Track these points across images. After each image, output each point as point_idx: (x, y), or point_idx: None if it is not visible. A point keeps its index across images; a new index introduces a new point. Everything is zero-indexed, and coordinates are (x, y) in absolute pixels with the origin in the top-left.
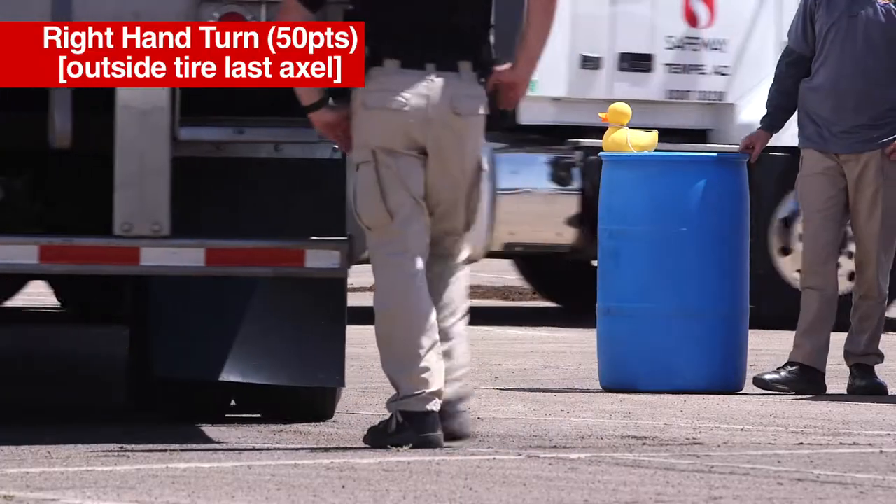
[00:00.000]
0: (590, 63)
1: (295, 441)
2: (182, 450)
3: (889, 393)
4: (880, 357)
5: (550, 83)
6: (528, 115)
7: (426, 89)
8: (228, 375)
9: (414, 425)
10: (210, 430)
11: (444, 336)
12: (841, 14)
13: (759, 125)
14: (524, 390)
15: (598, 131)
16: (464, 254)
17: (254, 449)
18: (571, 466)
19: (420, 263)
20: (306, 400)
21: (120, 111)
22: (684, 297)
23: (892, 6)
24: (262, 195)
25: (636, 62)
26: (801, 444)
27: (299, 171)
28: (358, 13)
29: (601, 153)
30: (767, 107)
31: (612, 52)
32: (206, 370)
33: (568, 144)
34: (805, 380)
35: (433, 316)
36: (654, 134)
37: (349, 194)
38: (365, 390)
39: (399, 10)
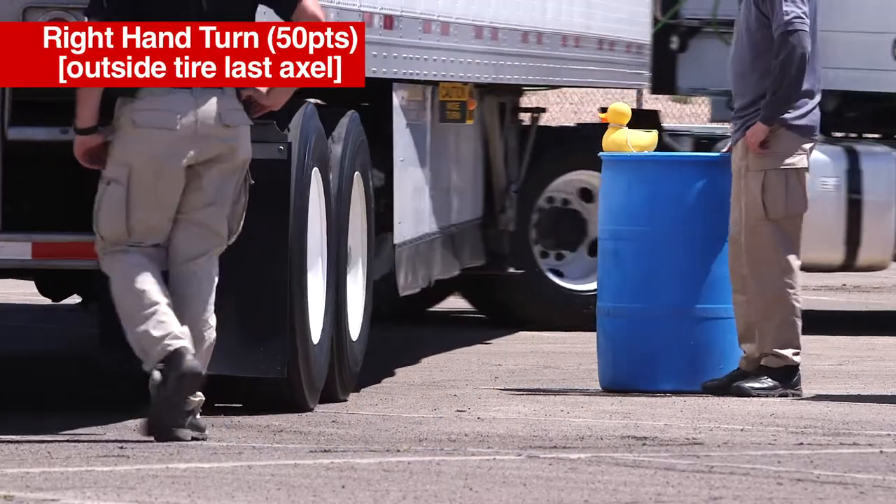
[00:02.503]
0: None
1: (295, 441)
2: (182, 450)
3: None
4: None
5: None
6: None
7: (195, 106)
8: None
9: (172, 365)
10: (210, 431)
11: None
12: (739, 8)
13: None
14: (524, 390)
15: None
16: (216, 260)
17: (254, 449)
18: (571, 466)
19: (146, 261)
20: (266, 391)
21: None
22: (684, 298)
23: None
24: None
25: None
26: (801, 444)
27: None
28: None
29: (601, 153)
30: None
31: None
32: None
33: None
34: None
35: (160, 292)
36: (654, 134)
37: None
38: (365, 391)
39: None
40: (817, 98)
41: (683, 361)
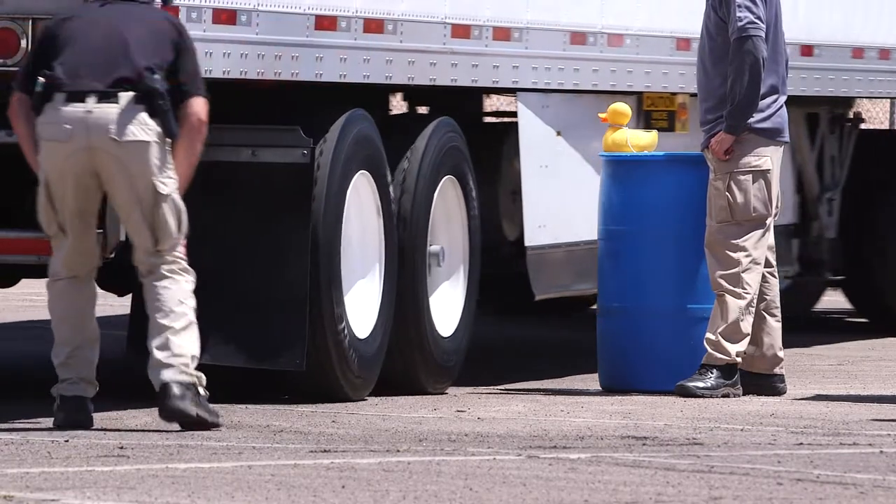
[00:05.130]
0: None
1: (295, 441)
2: (182, 450)
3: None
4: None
5: None
6: None
7: (85, 120)
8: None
9: (63, 407)
10: (210, 430)
11: (160, 330)
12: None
13: None
14: (524, 390)
15: None
16: (173, 265)
17: (254, 449)
18: (571, 466)
19: (71, 273)
20: (302, 382)
21: None
22: (684, 297)
23: None
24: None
25: None
26: (801, 444)
27: None
28: (38, 58)
29: (601, 153)
30: None
31: None
32: None
33: None
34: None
35: (83, 316)
36: (654, 134)
37: None
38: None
39: (69, 52)
40: (782, 99)
41: (683, 361)
